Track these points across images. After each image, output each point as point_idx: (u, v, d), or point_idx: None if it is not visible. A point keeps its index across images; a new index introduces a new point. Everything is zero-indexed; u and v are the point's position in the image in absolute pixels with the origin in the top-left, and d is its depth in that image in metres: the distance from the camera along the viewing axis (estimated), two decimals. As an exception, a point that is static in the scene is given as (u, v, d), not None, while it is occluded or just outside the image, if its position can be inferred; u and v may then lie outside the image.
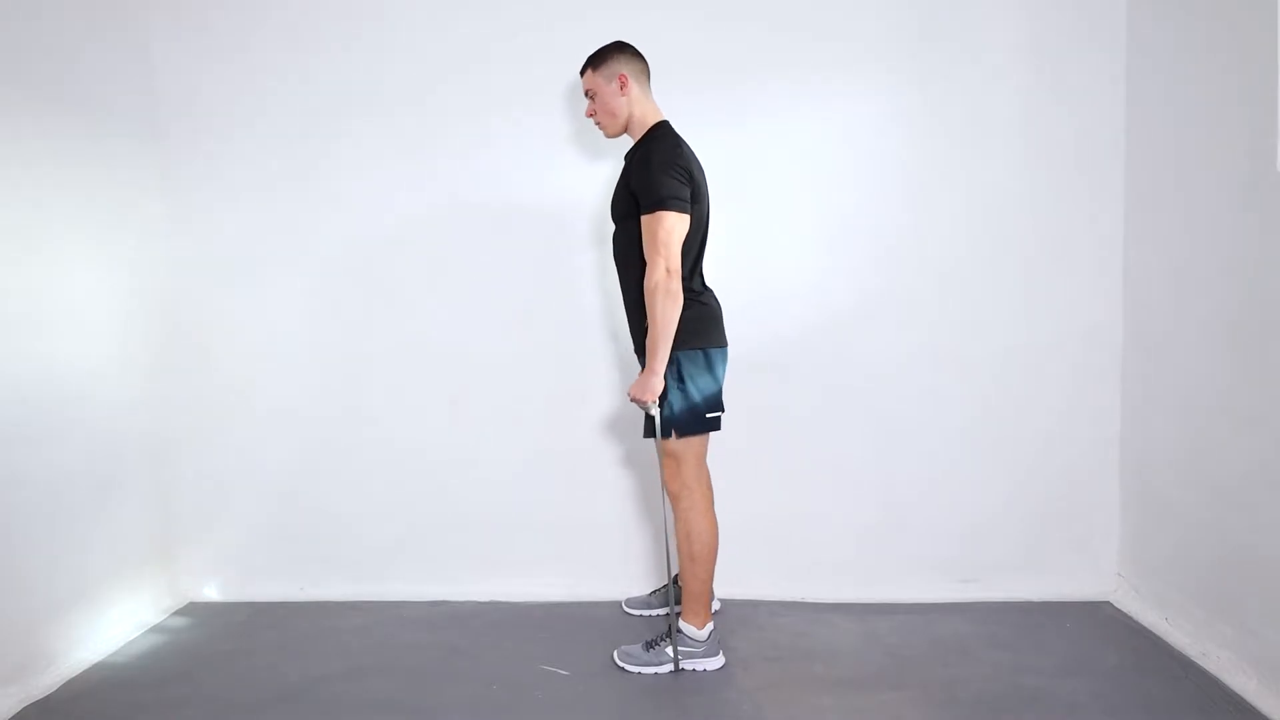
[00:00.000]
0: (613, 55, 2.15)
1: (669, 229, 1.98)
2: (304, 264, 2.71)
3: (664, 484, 2.17)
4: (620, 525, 2.73)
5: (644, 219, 2.01)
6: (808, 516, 2.68)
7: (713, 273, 2.32)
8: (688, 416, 2.11)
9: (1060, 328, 2.59)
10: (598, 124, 2.22)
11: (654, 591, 2.61)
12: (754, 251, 2.62)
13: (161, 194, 2.68)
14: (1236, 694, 2.00)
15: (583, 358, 2.71)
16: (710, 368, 2.15)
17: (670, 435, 2.11)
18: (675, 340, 2.04)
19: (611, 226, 2.23)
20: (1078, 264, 2.58)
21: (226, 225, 2.70)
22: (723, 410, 2.19)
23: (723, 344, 2.20)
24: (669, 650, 2.18)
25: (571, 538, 2.73)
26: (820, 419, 2.66)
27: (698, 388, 2.11)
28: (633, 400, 2.08)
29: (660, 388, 2.04)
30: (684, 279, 2.05)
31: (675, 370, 2.08)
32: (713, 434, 2.22)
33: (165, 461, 2.70)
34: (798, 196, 2.62)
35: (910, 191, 2.60)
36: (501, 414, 2.72)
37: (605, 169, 2.62)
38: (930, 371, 2.63)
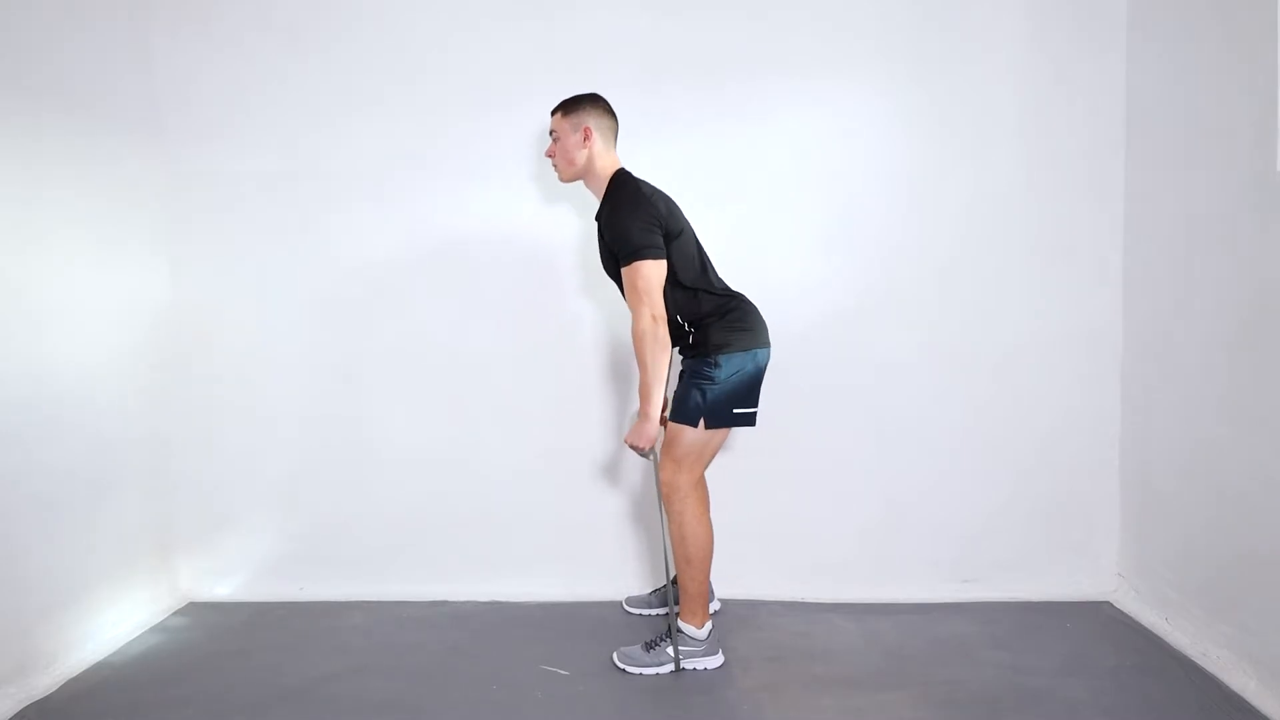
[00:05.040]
0: (584, 106, 2.21)
1: (647, 277, 2.05)
2: (304, 263, 2.71)
3: (657, 488, 2.18)
4: (620, 525, 2.73)
5: (623, 270, 2.09)
6: (808, 516, 2.68)
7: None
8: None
9: (1060, 327, 2.59)
10: (554, 165, 2.28)
11: (654, 591, 2.61)
12: (753, 250, 2.61)
13: (161, 193, 2.68)
14: (1236, 694, 2.00)
15: (582, 358, 2.71)
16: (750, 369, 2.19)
17: (699, 424, 2.13)
18: (720, 344, 2.11)
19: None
20: (1078, 264, 2.58)
21: (226, 225, 2.70)
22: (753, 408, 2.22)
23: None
24: (669, 650, 2.18)
25: (571, 538, 2.73)
26: (820, 418, 2.66)
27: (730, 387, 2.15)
28: (630, 447, 2.13)
29: (655, 434, 2.10)
30: (702, 290, 2.15)
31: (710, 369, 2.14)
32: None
33: (165, 461, 2.70)
34: (797, 194, 2.62)
35: (910, 191, 2.60)
36: (501, 414, 2.72)
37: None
38: (930, 371, 2.63)
